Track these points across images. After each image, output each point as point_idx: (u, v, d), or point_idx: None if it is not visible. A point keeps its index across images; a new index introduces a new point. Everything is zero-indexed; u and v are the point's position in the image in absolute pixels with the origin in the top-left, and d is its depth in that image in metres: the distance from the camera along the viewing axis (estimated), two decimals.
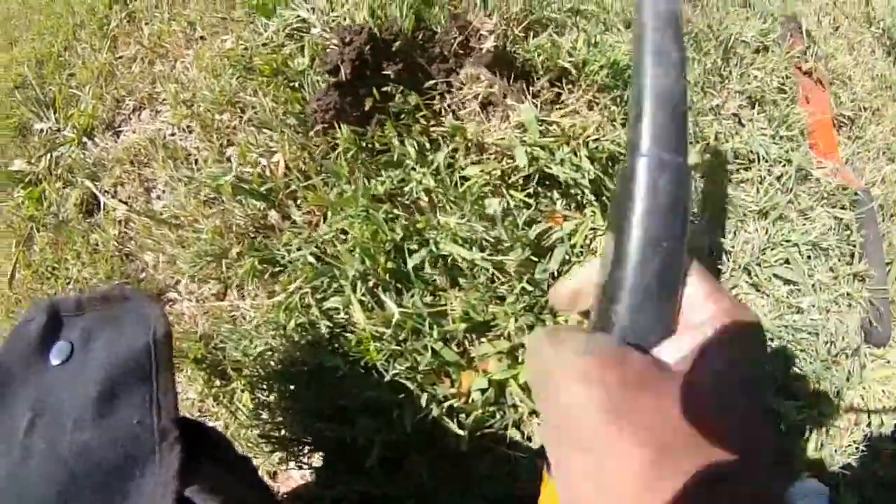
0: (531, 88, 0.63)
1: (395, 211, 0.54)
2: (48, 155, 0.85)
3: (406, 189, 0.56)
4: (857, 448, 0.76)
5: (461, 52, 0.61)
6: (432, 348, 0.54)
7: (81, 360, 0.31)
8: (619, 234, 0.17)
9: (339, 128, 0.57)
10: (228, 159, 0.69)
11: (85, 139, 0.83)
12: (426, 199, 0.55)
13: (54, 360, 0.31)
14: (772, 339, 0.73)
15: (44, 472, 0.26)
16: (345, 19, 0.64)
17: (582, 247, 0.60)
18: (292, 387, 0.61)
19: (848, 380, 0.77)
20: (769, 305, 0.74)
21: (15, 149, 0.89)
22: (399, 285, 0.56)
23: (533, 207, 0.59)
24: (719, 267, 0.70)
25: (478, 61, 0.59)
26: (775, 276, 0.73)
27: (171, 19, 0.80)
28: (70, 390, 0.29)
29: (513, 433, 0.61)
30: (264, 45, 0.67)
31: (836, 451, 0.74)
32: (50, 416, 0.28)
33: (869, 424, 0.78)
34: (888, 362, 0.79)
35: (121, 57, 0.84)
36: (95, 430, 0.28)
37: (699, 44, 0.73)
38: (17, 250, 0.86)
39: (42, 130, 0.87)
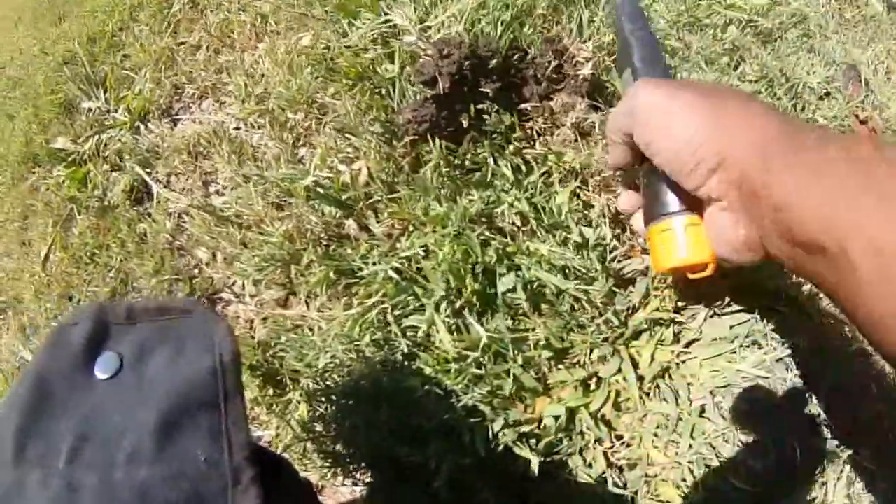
0: None
1: (487, 233, 0.53)
2: (96, 136, 0.81)
3: (497, 211, 0.55)
4: (883, 488, 0.78)
5: (554, 76, 0.61)
6: (514, 373, 0.54)
7: (133, 378, 0.27)
8: (628, 60, 0.37)
9: (433, 141, 0.56)
10: (301, 161, 0.67)
11: (138, 124, 0.80)
12: (519, 222, 0.55)
13: (101, 375, 0.26)
14: (819, 381, 0.74)
15: None
16: (438, 30, 0.63)
17: (660, 280, 0.60)
18: (355, 402, 0.59)
19: (880, 421, 0.79)
20: (818, 349, 0.76)
21: (59, 126, 0.85)
22: (482, 308, 0.56)
23: (615, 237, 0.58)
24: (782, 310, 0.71)
25: (574, 89, 0.59)
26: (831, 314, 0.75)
27: (241, 10, 0.78)
28: (123, 414, 0.25)
29: (576, 460, 0.60)
30: (348, 47, 0.66)
31: (864, 489, 0.76)
32: (98, 443, 0.24)
33: (894, 469, 0.80)
34: None
35: (183, 43, 0.81)
36: (156, 467, 0.24)
37: (773, 89, 0.74)
38: (54, 230, 0.82)
39: (90, 110, 0.84)
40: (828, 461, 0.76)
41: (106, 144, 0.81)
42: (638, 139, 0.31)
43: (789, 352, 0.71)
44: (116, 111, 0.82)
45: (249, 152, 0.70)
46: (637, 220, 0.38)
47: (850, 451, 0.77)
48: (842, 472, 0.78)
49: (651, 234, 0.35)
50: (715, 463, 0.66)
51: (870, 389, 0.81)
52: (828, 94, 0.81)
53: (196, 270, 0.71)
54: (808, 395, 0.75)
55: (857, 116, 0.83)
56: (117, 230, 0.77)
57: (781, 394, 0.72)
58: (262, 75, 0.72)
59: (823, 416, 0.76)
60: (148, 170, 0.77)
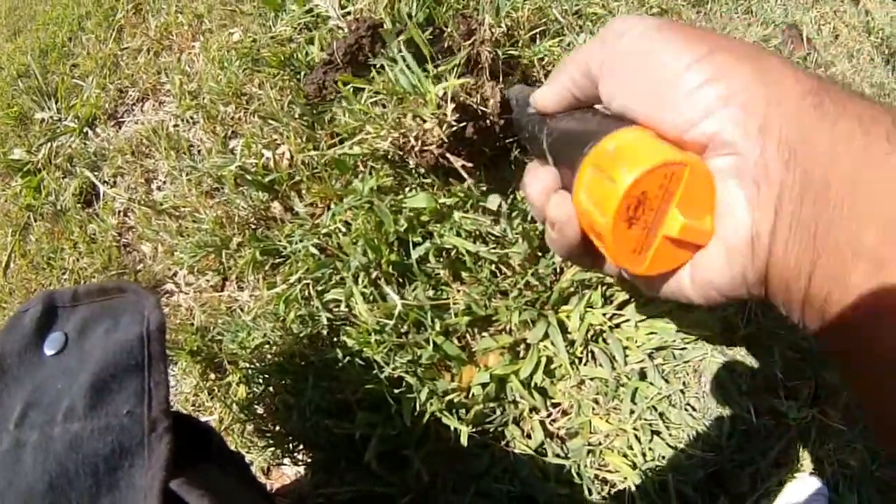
0: None
1: (400, 203, 0.54)
2: (48, 144, 0.84)
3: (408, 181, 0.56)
4: (855, 448, 0.75)
5: (468, 45, 0.61)
6: (434, 341, 0.54)
7: (76, 351, 0.31)
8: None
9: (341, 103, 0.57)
10: (232, 151, 0.68)
11: (86, 129, 0.83)
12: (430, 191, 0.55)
13: (48, 351, 0.30)
14: (772, 340, 0.73)
15: (35, 463, 0.26)
16: (361, 12, 0.64)
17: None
18: (289, 380, 0.60)
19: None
20: (767, 305, 0.75)
21: (15, 138, 0.88)
22: (401, 279, 0.56)
23: None
24: None
25: (479, 70, 0.59)
26: None
27: (179, 12, 0.80)
28: (64, 381, 0.29)
29: (512, 430, 0.60)
30: (272, 37, 0.67)
31: (835, 450, 0.74)
32: (43, 407, 0.28)
33: (866, 426, 0.78)
34: None
35: (126, 48, 0.84)
36: (87, 421, 0.27)
37: None
38: (13, 239, 0.85)
39: (43, 120, 0.86)
40: (791, 423, 0.74)
41: (58, 152, 0.84)
42: (603, 75, 0.21)
43: (734, 309, 0.69)
44: (67, 119, 0.85)
45: (186, 147, 0.72)
46: (546, 196, 0.23)
47: (815, 412, 0.76)
48: (808, 433, 0.76)
49: (581, 183, 0.21)
50: (663, 429, 0.65)
51: None
52: None
53: (141, 265, 0.73)
54: (761, 355, 0.73)
55: None
56: (70, 233, 0.79)
57: (730, 354, 0.70)
58: (197, 72, 0.74)
59: (781, 376, 0.74)
60: (96, 172, 0.79)
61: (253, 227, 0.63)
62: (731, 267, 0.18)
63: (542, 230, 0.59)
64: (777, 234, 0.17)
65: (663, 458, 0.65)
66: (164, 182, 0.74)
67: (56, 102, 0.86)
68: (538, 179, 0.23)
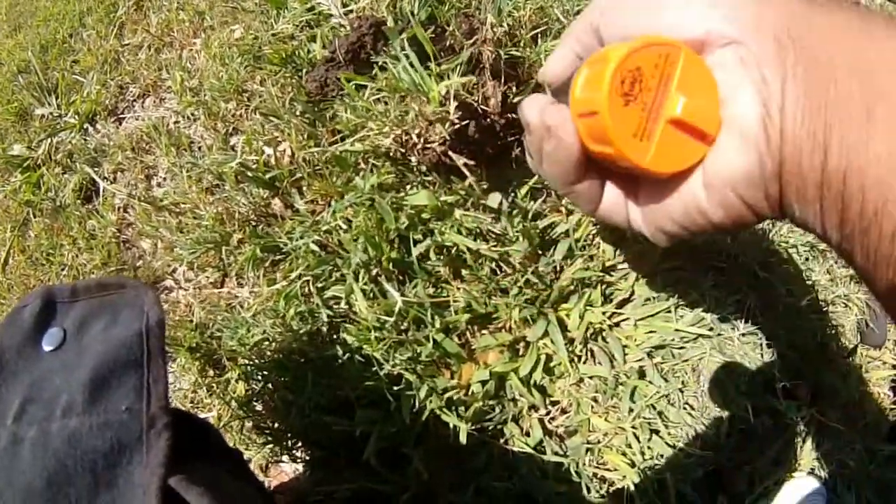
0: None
1: (401, 200, 0.54)
2: (48, 140, 0.84)
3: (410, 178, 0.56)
4: (853, 448, 0.76)
5: (470, 45, 0.61)
6: (434, 339, 0.54)
7: (74, 347, 0.31)
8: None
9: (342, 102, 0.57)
10: (233, 148, 0.68)
11: (87, 125, 0.83)
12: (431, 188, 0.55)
13: (47, 347, 0.30)
14: (771, 340, 0.73)
15: (33, 459, 0.26)
16: (363, 10, 0.64)
17: (585, 241, 0.60)
18: (288, 377, 0.60)
19: (845, 381, 0.77)
20: (767, 306, 0.75)
21: (15, 134, 0.88)
22: (402, 276, 0.56)
23: (540, 200, 0.59)
24: (722, 265, 0.70)
25: (481, 69, 0.60)
26: (775, 269, 0.74)
27: (180, 8, 0.80)
28: (62, 377, 0.29)
29: (511, 428, 0.60)
30: (274, 35, 0.67)
31: (833, 450, 0.74)
32: (41, 403, 0.28)
33: (865, 425, 0.79)
34: (883, 363, 0.80)
35: (127, 44, 0.84)
36: (85, 417, 0.27)
37: None
38: (12, 235, 0.85)
39: (43, 116, 0.86)
40: (790, 423, 0.75)
41: (58, 148, 0.83)
42: (604, 17, 0.21)
43: (733, 309, 0.70)
44: (67, 115, 0.85)
45: (186, 143, 0.72)
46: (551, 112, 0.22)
47: (813, 412, 0.76)
48: (806, 433, 0.76)
49: (576, 83, 0.21)
50: (661, 427, 0.65)
51: (829, 347, 0.79)
52: None
53: (140, 261, 0.73)
54: (760, 354, 0.74)
55: None
56: (69, 229, 0.79)
57: (729, 354, 0.70)
58: (198, 69, 0.74)
59: (780, 376, 0.75)
60: (96, 168, 0.79)
61: (253, 223, 0.63)
62: (747, 154, 0.18)
63: (541, 223, 0.59)
64: (787, 111, 0.17)
65: (662, 456, 0.65)
66: (165, 178, 0.74)
67: (56, 98, 0.86)
68: (534, 101, 0.23)
